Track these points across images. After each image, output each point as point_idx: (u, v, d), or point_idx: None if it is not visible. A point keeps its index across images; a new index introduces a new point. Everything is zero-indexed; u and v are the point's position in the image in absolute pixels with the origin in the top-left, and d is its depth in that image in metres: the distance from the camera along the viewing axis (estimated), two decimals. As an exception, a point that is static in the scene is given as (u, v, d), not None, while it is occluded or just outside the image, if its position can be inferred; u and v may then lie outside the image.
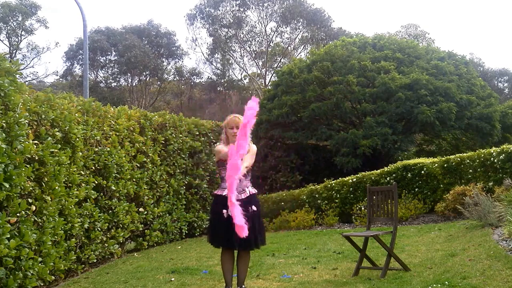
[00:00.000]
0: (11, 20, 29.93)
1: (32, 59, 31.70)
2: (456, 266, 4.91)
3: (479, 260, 4.89)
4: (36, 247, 4.82)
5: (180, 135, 9.59)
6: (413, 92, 14.49)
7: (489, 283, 4.06)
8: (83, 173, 6.33)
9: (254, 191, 4.42)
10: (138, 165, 8.11)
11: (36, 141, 5.07)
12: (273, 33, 33.29)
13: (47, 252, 4.98)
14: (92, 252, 6.44)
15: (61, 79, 34.19)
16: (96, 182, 6.69)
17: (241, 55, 34.03)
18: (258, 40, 33.49)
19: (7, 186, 4.15)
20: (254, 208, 4.31)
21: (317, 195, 11.04)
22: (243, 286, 4.35)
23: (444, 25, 62.48)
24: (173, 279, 5.44)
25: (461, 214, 8.06)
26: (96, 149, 6.82)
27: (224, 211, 4.26)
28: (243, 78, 35.34)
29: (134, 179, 7.85)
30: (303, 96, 15.56)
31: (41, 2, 47.75)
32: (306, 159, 15.80)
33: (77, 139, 6.06)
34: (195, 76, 35.79)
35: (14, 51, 30.67)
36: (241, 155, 3.94)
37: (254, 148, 4.49)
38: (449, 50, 18.03)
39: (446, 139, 17.77)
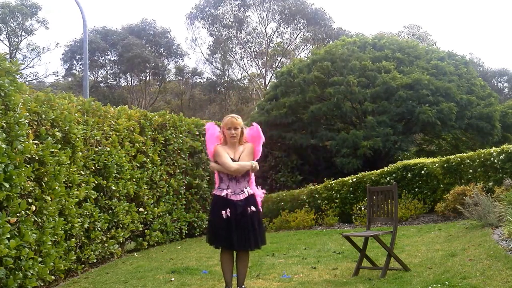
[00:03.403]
0: (11, 21, 29.92)
1: (32, 59, 31.76)
2: (456, 266, 4.90)
3: (479, 260, 4.88)
4: (36, 247, 4.82)
5: (180, 135, 9.58)
6: (414, 92, 14.50)
7: (489, 283, 4.06)
8: (83, 173, 6.32)
9: (252, 191, 4.40)
10: (138, 165, 8.11)
11: (36, 141, 5.07)
12: (273, 33, 33.32)
13: (47, 252, 4.97)
14: (92, 252, 6.44)
15: (61, 79, 34.21)
16: (96, 182, 6.69)
17: (241, 56, 34.04)
18: (258, 41, 33.50)
19: (7, 186, 4.15)
20: (253, 208, 4.30)
21: (317, 195, 11.04)
22: (243, 286, 4.35)
23: (444, 25, 62.51)
24: (173, 279, 5.44)
25: (461, 214, 8.06)
26: (96, 149, 6.82)
27: (223, 211, 4.26)
28: (243, 78, 35.37)
29: (134, 179, 7.85)
30: (303, 97, 15.54)
31: (41, 3, 47.76)
32: (306, 159, 15.80)
33: (77, 139, 6.06)
34: (196, 76, 35.81)
35: (14, 51, 30.67)
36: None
37: (248, 146, 4.47)
38: (449, 50, 18.06)
39: (446, 139, 17.80)
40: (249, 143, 4.49)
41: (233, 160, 4.35)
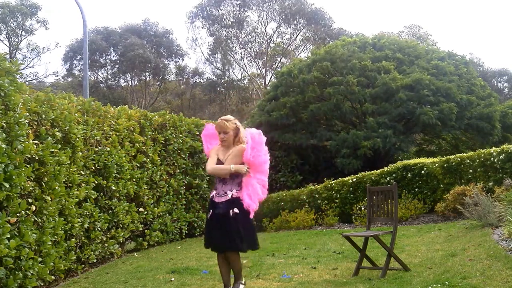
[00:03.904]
0: (11, 21, 29.92)
1: (32, 59, 31.73)
2: (456, 266, 4.91)
3: (479, 260, 4.88)
4: (36, 247, 4.82)
5: (180, 135, 9.59)
6: (414, 93, 14.47)
7: (489, 283, 4.06)
8: (83, 173, 6.33)
9: (238, 194, 4.26)
10: (138, 165, 8.11)
11: (36, 141, 5.07)
12: (273, 33, 33.33)
13: (47, 252, 4.98)
14: (92, 252, 6.44)
15: (61, 79, 34.21)
16: (96, 182, 6.69)
17: (241, 56, 34.04)
18: (258, 41, 33.51)
19: (7, 186, 4.15)
20: (236, 210, 4.21)
21: (317, 195, 11.03)
22: (240, 282, 4.31)
23: (444, 25, 62.51)
24: (173, 279, 5.44)
25: (461, 214, 8.06)
26: (96, 149, 6.82)
27: (209, 213, 4.34)
28: (243, 78, 35.37)
29: (134, 179, 7.85)
30: (302, 97, 15.53)
31: (41, 3, 47.77)
32: (306, 159, 15.79)
33: (77, 139, 6.06)
34: (197, 76, 35.81)
35: (14, 51, 30.67)
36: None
37: (237, 148, 4.38)
38: (449, 50, 18.02)
39: (446, 139, 17.79)
40: (242, 145, 4.40)
41: (221, 162, 4.35)
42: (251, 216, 4.29)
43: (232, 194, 4.27)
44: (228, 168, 4.28)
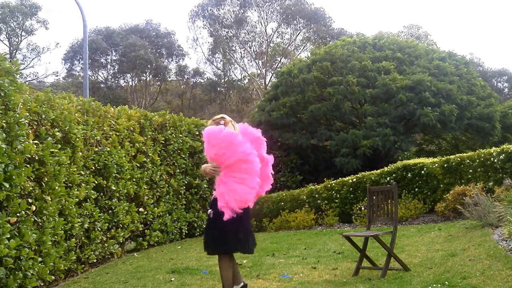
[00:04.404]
0: (11, 21, 29.93)
1: (32, 60, 31.72)
2: (456, 266, 4.91)
3: (479, 260, 4.89)
4: (36, 247, 4.83)
5: (180, 135, 9.59)
6: (415, 94, 14.46)
7: (489, 283, 4.06)
8: (83, 173, 6.33)
9: (215, 195, 4.13)
10: (138, 165, 8.11)
11: (36, 141, 5.07)
12: (273, 33, 33.34)
13: (47, 252, 4.98)
14: (92, 252, 6.44)
15: (61, 80, 34.21)
16: (96, 182, 6.69)
17: (241, 56, 34.05)
18: (258, 41, 33.52)
19: (7, 186, 4.15)
20: (210, 210, 4.14)
21: (317, 195, 11.03)
22: None
23: (444, 25, 62.50)
24: (173, 279, 5.44)
25: (461, 214, 8.06)
26: (96, 149, 6.82)
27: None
28: (243, 78, 35.39)
29: (134, 179, 7.85)
30: (302, 97, 15.54)
31: (41, 3, 47.78)
32: (306, 159, 15.80)
33: (77, 139, 6.07)
34: (198, 76, 35.82)
35: (14, 51, 30.68)
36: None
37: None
38: (449, 50, 18.01)
39: (446, 139, 17.79)
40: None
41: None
42: (225, 218, 3.97)
43: (214, 195, 4.21)
44: (202, 168, 4.31)
